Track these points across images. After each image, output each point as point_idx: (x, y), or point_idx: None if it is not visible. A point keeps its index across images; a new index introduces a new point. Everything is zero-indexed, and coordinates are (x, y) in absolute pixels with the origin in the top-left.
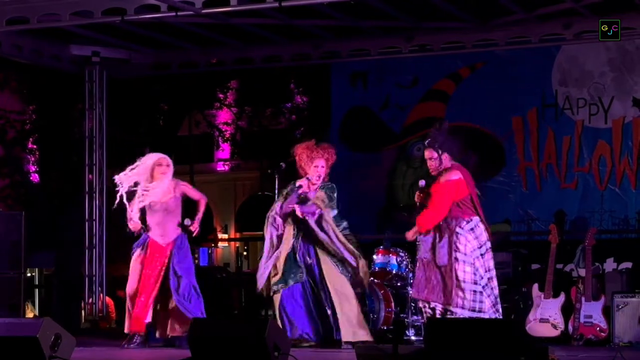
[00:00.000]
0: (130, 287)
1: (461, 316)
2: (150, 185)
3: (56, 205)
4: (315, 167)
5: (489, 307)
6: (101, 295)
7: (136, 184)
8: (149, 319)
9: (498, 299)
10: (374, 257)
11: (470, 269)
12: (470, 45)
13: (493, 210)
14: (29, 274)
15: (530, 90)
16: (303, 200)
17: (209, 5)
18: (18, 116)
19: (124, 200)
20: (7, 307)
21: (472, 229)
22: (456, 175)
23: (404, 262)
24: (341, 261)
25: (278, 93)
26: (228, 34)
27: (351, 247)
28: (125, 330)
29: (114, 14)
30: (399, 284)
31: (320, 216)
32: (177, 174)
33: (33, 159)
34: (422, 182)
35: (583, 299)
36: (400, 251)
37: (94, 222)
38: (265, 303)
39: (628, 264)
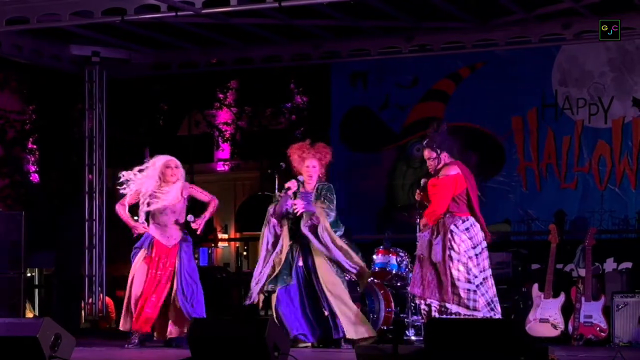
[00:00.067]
0: (137, 287)
1: (456, 312)
2: (161, 191)
3: (56, 205)
4: (306, 167)
5: (483, 306)
6: (101, 295)
7: (142, 188)
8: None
9: (495, 299)
10: (374, 257)
11: (463, 268)
12: (470, 45)
13: (493, 210)
14: (29, 274)
15: (530, 90)
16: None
17: (209, 5)
18: (18, 116)
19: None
20: (7, 307)
21: (467, 229)
22: (454, 170)
23: (404, 262)
24: (336, 262)
25: (278, 93)
26: (228, 34)
27: (355, 258)
28: (125, 329)
29: (114, 14)
30: (398, 284)
31: (318, 227)
32: None
33: (33, 159)
34: (424, 181)
35: (583, 299)
36: (400, 251)
37: (94, 222)
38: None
39: (628, 264)
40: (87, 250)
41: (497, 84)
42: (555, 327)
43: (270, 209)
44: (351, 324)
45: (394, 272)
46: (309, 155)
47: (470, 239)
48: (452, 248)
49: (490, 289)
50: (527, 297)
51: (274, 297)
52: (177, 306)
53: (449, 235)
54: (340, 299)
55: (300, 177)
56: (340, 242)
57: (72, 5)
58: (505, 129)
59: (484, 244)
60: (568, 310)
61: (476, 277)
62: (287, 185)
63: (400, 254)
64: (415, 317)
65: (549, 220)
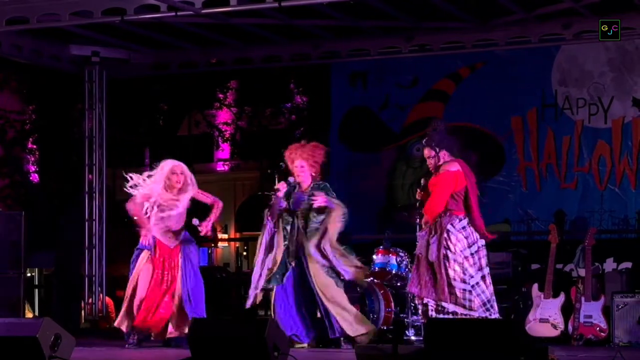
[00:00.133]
0: (142, 288)
1: (453, 312)
2: (173, 203)
3: (56, 205)
4: (295, 167)
5: (479, 306)
6: (101, 295)
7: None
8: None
9: (493, 298)
10: (374, 257)
11: (459, 267)
12: (470, 45)
13: (493, 210)
14: (29, 274)
15: (530, 90)
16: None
17: (209, 5)
18: (18, 116)
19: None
20: (7, 307)
21: (463, 228)
22: (454, 167)
23: (404, 262)
24: (331, 267)
25: (278, 93)
26: (228, 34)
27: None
28: (121, 327)
29: (113, 14)
30: (398, 284)
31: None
32: None
33: (33, 159)
34: (424, 181)
35: (583, 299)
36: (400, 251)
37: (94, 222)
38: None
39: (628, 264)
40: (87, 250)
41: (497, 84)
42: (555, 327)
43: (266, 213)
44: (347, 322)
45: (393, 272)
46: (297, 156)
47: (466, 238)
48: (448, 247)
49: (487, 288)
50: (527, 297)
51: (272, 295)
52: (179, 306)
53: (445, 235)
54: (334, 299)
55: (290, 179)
56: (341, 251)
57: (71, 5)
58: (505, 129)
59: (480, 243)
60: (568, 310)
61: (472, 276)
62: (276, 186)
63: (400, 254)
64: (415, 317)
65: (548, 220)
